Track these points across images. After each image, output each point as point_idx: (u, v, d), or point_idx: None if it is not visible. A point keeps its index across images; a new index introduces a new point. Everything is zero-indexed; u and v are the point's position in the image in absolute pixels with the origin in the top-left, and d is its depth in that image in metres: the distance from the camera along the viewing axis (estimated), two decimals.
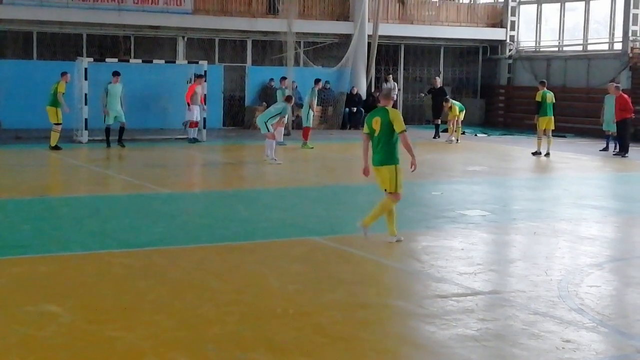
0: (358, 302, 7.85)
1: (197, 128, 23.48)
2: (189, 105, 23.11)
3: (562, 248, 10.59)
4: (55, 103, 20.85)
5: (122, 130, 21.68)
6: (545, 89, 21.89)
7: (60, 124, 20.87)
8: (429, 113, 30.44)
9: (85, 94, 22.43)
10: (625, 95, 22.96)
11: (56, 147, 20.69)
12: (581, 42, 31.38)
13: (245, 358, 6.28)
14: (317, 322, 7.15)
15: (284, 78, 24.02)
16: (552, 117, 21.58)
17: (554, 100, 21.74)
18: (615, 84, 23.71)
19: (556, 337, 6.82)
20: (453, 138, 25.32)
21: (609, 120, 23.09)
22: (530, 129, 26.04)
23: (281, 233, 11.18)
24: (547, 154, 21.34)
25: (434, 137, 26.69)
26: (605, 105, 23.30)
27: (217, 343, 6.54)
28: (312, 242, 10.53)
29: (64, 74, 21.24)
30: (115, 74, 21.59)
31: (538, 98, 21.61)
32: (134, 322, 7.01)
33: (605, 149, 23.24)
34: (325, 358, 6.36)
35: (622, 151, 22.30)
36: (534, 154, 21.57)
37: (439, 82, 28.08)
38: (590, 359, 6.39)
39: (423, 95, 30.59)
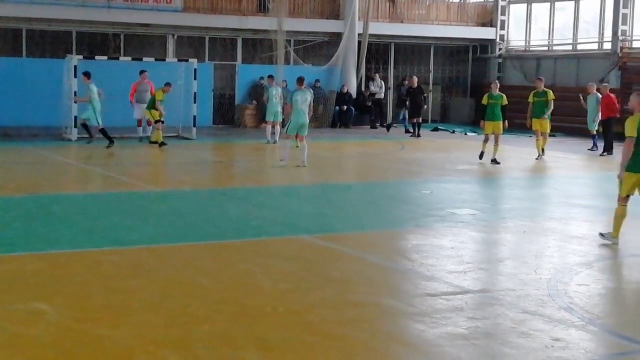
0: (348, 300, 7.85)
1: (144, 127, 23.11)
2: (131, 103, 23.07)
3: (551, 247, 10.62)
4: (151, 107, 21.65)
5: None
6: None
7: (158, 121, 21.57)
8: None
9: (75, 92, 22.35)
10: (612, 95, 23.09)
11: (162, 143, 21.38)
12: (571, 41, 31.47)
13: (235, 357, 6.28)
14: (307, 320, 7.15)
15: (271, 76, 23.99)
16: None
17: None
18: (603, 84, 23.87)
19: (545, 335, 6.84)
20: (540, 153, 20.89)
21: (589, 120, 23.30)
22: (519, 128, 26.12)
23: (271, 231, 11.16)
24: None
25: (411, 134, 26.73)
26: (587, 105, 23.53)
27: (207, 342, 6.54)
28: (302, 240, 10.53)
29: (167, 84, 21.87)
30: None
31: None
32: (123, 321, 7.00)
33: (593, 147, 23.33)
34: (315, 356, 6.36)
35: (606, 150, 22.36)
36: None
37: (415, 81, 27.90)
38: (579, 358, 6.41)
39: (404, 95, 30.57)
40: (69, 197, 14.03)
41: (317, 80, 29.56)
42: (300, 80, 18.33)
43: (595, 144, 23.28)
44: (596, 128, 23.25)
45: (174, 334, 6.69)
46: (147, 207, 12.98)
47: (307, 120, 17.85)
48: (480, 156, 19.56)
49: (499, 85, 20.50)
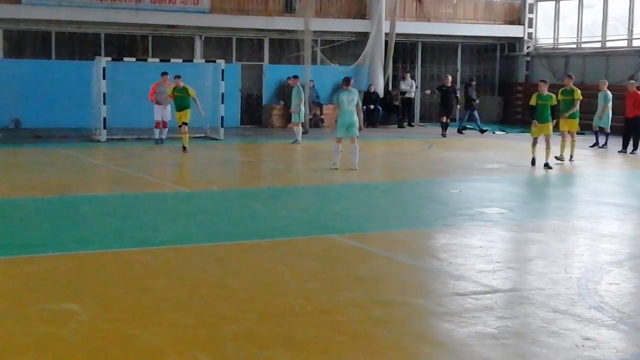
0: (376, 300, 7.84)
1: (161, 129, 22.65)
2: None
3: (581, 245, 10.54)
4: (182, 108, 20.94)
5: None
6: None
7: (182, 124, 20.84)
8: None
9: (104, 94, 22.50)
10: None
11: (184, 147, 20.74)
12: (599, 39, 31.22)
13: (263, 356, 6.28)
14: (335, 320, 7.14)
15: (295, 77, 24.04)
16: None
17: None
18: (631, 81, 23.73)
19: (576, 334, 6.79)
20: (566, 155, 19.92)
21: (596, 116, 23.32)
22: None
23: (299, 231, 11.18)
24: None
25: (443, 135, 26.43)
26: (598, 102, 23.48)
27: (236, 341, 6.55)
28: (329, 240, 10.52)
29: (178, 77, 21.16)
30: None
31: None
32: (152, 321, 7.03)
33: (596, 144, 23.26)
34: (344, 356, 6.35)
35: (635, 148, 22.17)
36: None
37: (450, 80, 27.79)
38: (610, 357, 6.35)
39: (428, 92, 30.32)
40: (98, 198, 14.12)
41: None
42: (346, 81, 17.74)
43: (597, 141, 23.30)
44: (602, 125, 23.25)
45: (203, 333, 6.71)
46: (175, 208, 13.03)
47: (355, 120, 17.26)
48: (532, 162, 18.40)
49: (548, 84, 18.78)
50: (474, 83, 29.26)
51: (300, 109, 23.25)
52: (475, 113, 28.15)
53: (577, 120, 20.14)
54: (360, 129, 17.58)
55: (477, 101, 28.50)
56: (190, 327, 6.86)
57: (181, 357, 6.20)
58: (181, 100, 20.87)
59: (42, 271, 8.70)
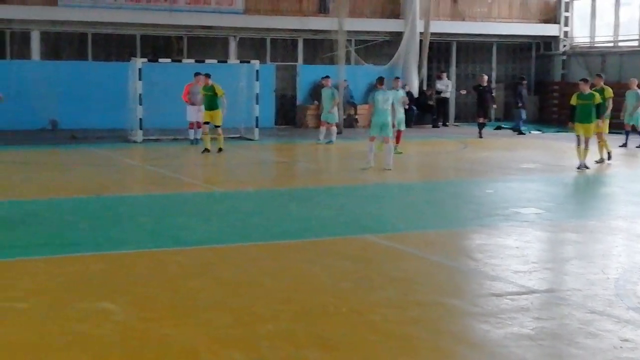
0: (411, 300, 7.81)
1: (195, 130, 22.60)
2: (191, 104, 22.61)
3: (619, 246, 10.42)
4: (213, 107, 20.69)
5: None
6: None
7: (206, 123, 20.74)
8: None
9: (140, 94, 22.68)
10: None
11: (205, 149, 20.55)
12: (637, 36, 30.84)
13: (298, 355, 6.28)
14: (370, 319, 7.13)
15: (327, 77, 23.98)
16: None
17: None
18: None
19: (613, 336, 6.71)
20: (605, 156, 19.31)
21: (627, 114, 23.07)
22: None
23: (333, 231, 11.16)
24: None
25: (479, 136, 26.12)
26: (626, 100, 23.21)
27: (271, 340, 6.56)
28: (364, 240, 10.51)
29: (208, 75, 20.97)
30: None
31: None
32: (187, 320, 7.06)
33: (625, 144, 22.85)
34: (378, 356, 6.33)
35: None
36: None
37: (485, 79, 27.56)
38: None
39: (464, 92, 30.15)
40: (134, 198, 14.23)
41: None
42: (380, 80, 17.69)
43: (627, 141, 22.93)
44: (633, 123, 23.00)
45: (238, 333, 6.73)
46: (210, 208, 13.09)
47: (389, 120, 17.24)
48: (579, 167, 17.67)
49: (589, 83, 18.13)
50: (525, 82, 28.93)
51: (334, 110, 23.31)
52: (525, 113, 27.90)
53: (607, 120, 19.73)
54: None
55: (521, 103, 28.08)
56: (226, 326, 6.89)
57: (217, 356, 6.23)
58: (209, 99, 20.61)
59: (79, 271, 8.77)
